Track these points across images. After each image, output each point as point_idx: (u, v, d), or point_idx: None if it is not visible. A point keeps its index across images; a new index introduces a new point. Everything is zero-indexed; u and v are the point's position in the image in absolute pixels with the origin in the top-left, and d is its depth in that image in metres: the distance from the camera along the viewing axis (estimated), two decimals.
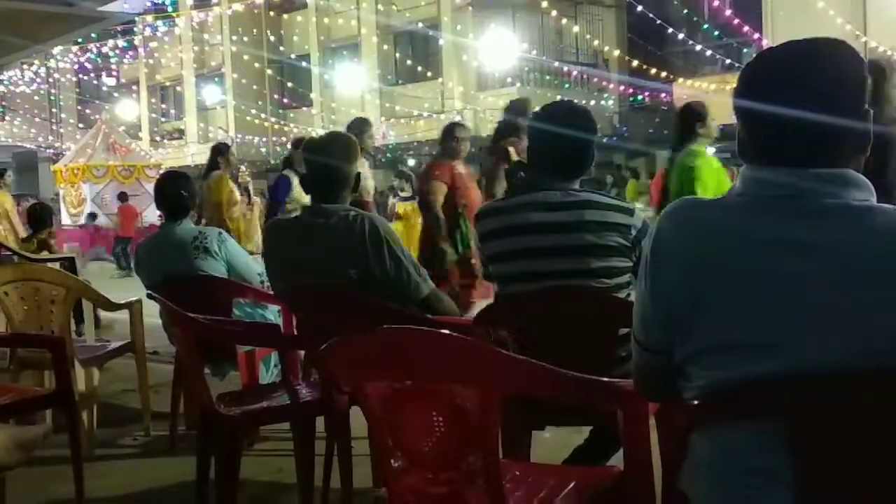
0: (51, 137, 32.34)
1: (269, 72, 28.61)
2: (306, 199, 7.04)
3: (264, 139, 30.15)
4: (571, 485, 2.11)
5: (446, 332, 1.87)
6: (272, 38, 28.87)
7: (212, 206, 7.39)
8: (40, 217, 8.12)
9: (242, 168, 22.44)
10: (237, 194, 7.59)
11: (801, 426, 1.44)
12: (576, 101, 3.05)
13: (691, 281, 1.52)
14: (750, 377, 1.46)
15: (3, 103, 31.15)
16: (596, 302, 2.69)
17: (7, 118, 31.71)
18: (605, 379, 1.98)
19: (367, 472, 3.44)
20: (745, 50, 21.03)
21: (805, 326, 1.44)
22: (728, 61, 20.99)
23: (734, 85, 1.60)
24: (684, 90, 22.19)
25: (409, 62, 25.07)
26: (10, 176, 13.09)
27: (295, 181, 6.79)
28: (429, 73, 25.20)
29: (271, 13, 29.62)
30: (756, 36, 18.01)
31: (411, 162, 26.66)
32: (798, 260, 1.45)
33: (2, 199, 9.38)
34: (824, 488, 1.44)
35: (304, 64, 27.44)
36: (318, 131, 21.46)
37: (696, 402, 1.58)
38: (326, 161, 3.31)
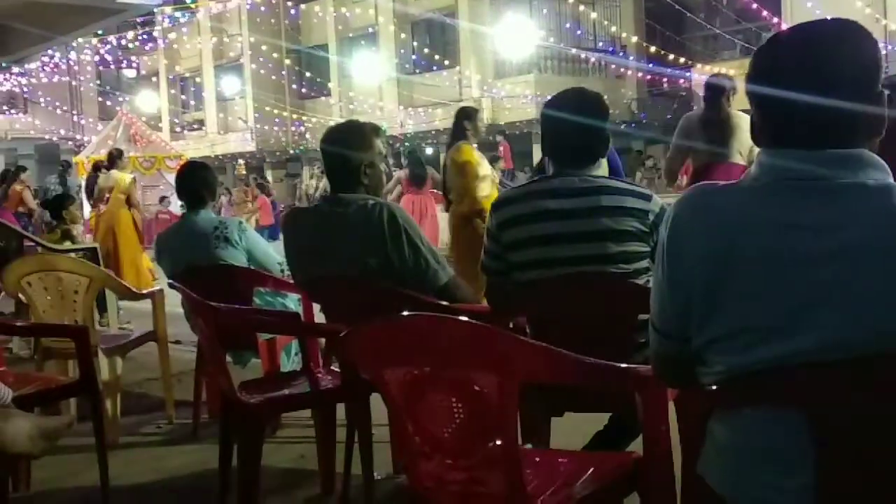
0: (72, 129, 32.54)
1: (287, 62, 28.68)
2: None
3: (283, 129, 30.23)
4: (590, 470, 2.12)
5: (465, 318, 1.88)
6: (290, 27, 28.92)
7: (458, 182, 6.24)
8: (57, 208, 8.16)
9: (240, 162, 22.40)
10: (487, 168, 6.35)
11: (822, 410, 1.44)
12: (594, 87, 3.05)
13: (709, 266, 1.52)
14: (769, 361, 1.46)
15: (25, 96, 31.37)
16: (614, 288, 2.69)
17: (29, 111, 31.94)
18: (624, 365, 1.99)
19: (388, 458, 3.46)
20: (763, 34, 20.85)
21: (823, 308, 1.43)
22: (747, 46, 20.83)
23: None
24: (703, 75, 22.06)
25: (426, 51, 25.08)
26: (29, 173, 13.29)
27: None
28: (446, 62, 25.18)
29: (289, 3, 29.67)
30: (775, 20, 17.86)
31: (429, 150, 26.65)
32: (815, 240, 1.44)
33: (121, 178, 9.45)
34: (845, 473, 1.44)
35: (321, 54, 27.48)
36: (335, 120, 21.50)
37: (714, 388, 1.57)
38: (341, 150, 3.32)
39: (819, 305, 1.44)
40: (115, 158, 9.75)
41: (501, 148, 16.83)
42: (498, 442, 1.84)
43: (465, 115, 6.37)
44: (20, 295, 4.54)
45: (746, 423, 1.51)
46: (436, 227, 10.31)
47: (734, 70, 19.66)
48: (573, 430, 2.92)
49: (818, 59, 1.51)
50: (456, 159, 6.18)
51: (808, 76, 1.50)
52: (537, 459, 2.24)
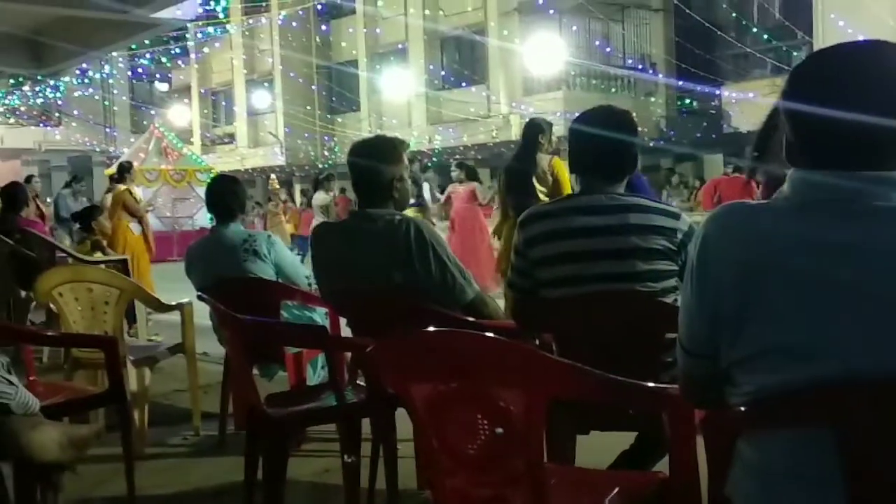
0: (104, 142, 32.92)
1: (317, 77, 28.88)
2: None
3: (312, 143, 30.42)
4: (616, 490, 2.11)
5: (491, 334, 1.88)
6: (321, 43, 29.14)
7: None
8: (86, 219, 8.26)
9: (273, 176, 22.58)
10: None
11: (852, 433, 1.43)
12: (622, 105, 3.05)
13: (739, 285, 1.51)
14: (798, 383, 1.45)
15: (59, 108, 31.81)
16: (642, 306, 2.68)
17: (63, 123, 32.35)
18: (651, 384, 1.98)
19: (413, 473, 3.45)
20: (794, 53, 20.74)
21: (854, 331, 1.42)
22: (777, 64, 20.72)
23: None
24: (733, 94, 21.98)
25: (455, 67, 25.14)
26: (38, 183, 13.47)
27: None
28: (475, 78, 25.25)
29: (322, 25, 29.88)
30: (806, 39, 17.76)
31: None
32: (848, 263, 1.43)
33: (116, 191, 9.42)
34: (875, 496, 1.43)
35: (351, 69, 27.65)
36: (364, 135, 21.61)
37: (743, 409, 1.56)
38: (372, 164, 3.33)
39: (850, 329, 1.42)
40: (123, 171, 9.75)
41: None
42: (523, 459, 1.83)
43: (539, 130, 6.38)
44: (51, 305, 4.59)
45: (775, 444, 1.50)
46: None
47: (764, 89, 19.58)
48: (599, 448, 2.90)
49: (856, 79, 1.49)
50: (560, 171, 6.22)
51: (845, 95, 1.48)
52: (562, 478, 2.23)
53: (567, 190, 6.15)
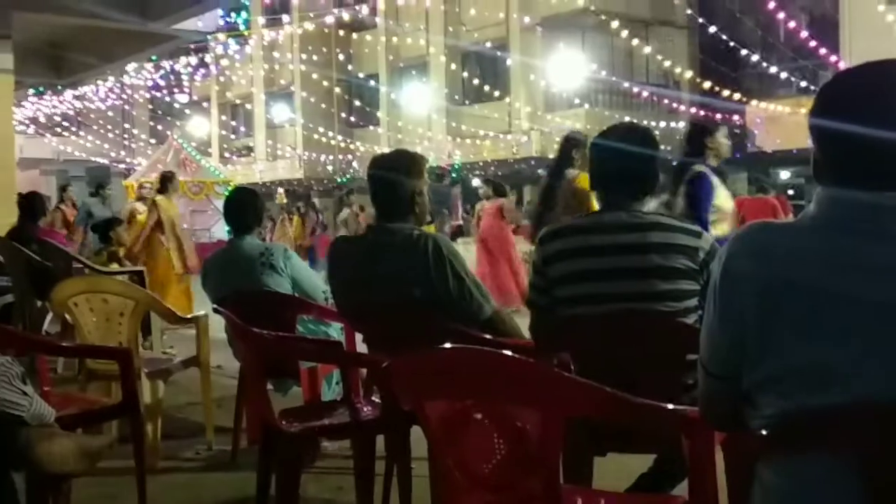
0: (123, 153, 33.18)
1: (337, 91, 29.03)
2: (728, 204, 5.19)
3: (331, 157, 30.54)
4: None
5: (508, 353, 1.85)
6: (341, 57, 29.28)
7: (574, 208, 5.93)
8: (104, 231, 8.27)
9: (280, 191, 22.48)
10: None
11: (874, 459, 1.41)
12: (645, 122, 3.02)
13: (763, 305, 1.49)
14: (821, 406, 1.43)
15: (79, 119, 32.08)
16: (663, 326, 2.64)
17: (82, 133, 32.62)
18: (671, 406, 1.95)
19: (427, 492, 3.41)
20: (820, 72, 20.66)
21: (881, 354, 1.40)
22: (803, 84, 20.64)
23: (810, 107, 1.57)
24: (758, 112, 21.89)
25: (476, 82, 25.20)
26: (73, 190, 13.54)
27: (715, 180, 4.89)
28: (496, 93, 25.31)
29: (341, 33, 30.05)
30: (833, 58, 17.67)
31: (476, 181, 26.76)
32: (874, 285, 1.41)
33: (166, 206, 9.31)
34: None
35: (372, 83, 27.78)
36: (383, 150, 21.68)
37: (763, 432, 1.54)
38: (393, 177, 3.31)
39: (876, 352, 1.40)
40: (166, 181, 9.58)
41: None
42: (539, 480, 1.80)
43: (574, 144, 6.28)
44: (67, 315, 4.59)
45: (796, 469, 1.48)
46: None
47: (789, 108, 19.50)
48: (617, 471, 2.86)
49: (885, 97, 1.48)
50: (582, 187, 6.14)
51: (873, 114, 1.47)
52: (579, 500, 2.20)
53: (591, 206, 6.07)
